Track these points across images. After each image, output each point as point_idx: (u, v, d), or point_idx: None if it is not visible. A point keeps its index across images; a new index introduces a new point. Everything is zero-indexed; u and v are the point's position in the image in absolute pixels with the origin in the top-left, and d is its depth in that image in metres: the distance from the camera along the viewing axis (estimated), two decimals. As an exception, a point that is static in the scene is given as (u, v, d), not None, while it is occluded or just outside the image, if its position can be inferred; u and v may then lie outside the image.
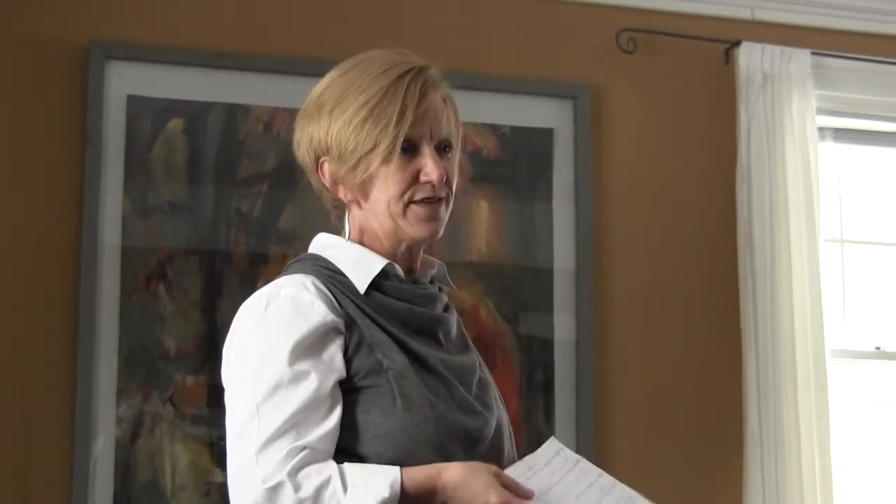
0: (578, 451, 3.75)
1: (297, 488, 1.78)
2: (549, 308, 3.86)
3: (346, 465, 1.83)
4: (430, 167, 1.97)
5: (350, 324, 1.93)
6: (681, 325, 4.00)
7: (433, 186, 1.98)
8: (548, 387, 3.83)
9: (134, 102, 3.62)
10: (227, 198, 3.66)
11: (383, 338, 1.94)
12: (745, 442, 3.89)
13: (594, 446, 3.78)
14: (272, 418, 1.83)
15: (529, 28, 4.00)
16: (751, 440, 3.88)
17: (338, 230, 2.08)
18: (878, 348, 4.29)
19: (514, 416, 3.77)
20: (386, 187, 1.97)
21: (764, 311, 3.94)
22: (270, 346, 1.88)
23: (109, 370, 3.50)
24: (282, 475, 1.79)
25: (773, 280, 3.96)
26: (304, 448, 1.81)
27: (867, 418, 4.25)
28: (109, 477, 3.47)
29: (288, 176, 3.66)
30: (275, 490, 1.78)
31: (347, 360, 1.91)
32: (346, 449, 1.87)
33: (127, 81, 3.62)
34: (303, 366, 1.86)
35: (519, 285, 3.86)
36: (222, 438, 3.53)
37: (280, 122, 3.70)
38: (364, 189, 1.98)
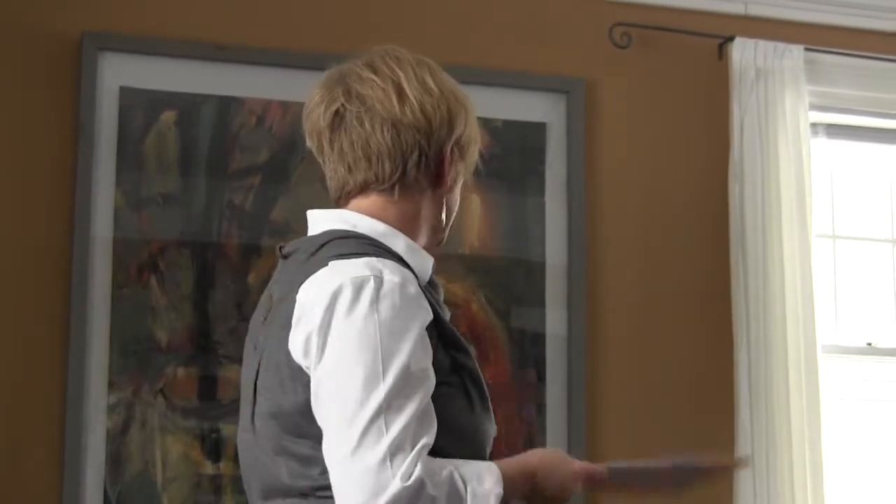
0: (569, 446, 3.78)
1: (434, 485, 1.77)
2: (540, 302, 3.86)
3: (454, 461, 1.83)
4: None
5: (435, 318, 1.91)
6: (672, 321, 4.00)
7: None
8: (539, 381, 3.83)
9: (127, 94, 3.61)
10: (219, 190, 3.65)
11: (454, 336, 1.94)
12: (736, 437, 3.89)
13: (585, 441, 3.78)
14: (401, 415, 1.79)
15: (523, 22, 3.99)
16: (742, 435, 3.88)
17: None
18: (869, 344, 4.30)
19: (505, 411, 3.80)
20: (455, 199, 2.12)
21: (756, 307, 3.95)
22: (392, 339, 1.82)
23: (101, 362, 3.50)
24: (419, 472, 1.77)
25: (764, 276, 3.96)
26: (427, 445, 1.80)
27: (858, 414, 4.26)
28: (100, 468, 3.47)
29: (281, 169, 3.66)
30: (417, 488, 1.76)
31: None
32: None
33: (120, 73, 3.61)
34: (424, 362, 1.85)
35: (511, 279, 3.86)
36: (213, 430, 3.55)
37: (273, 114, 3.69)
38: (455, 183, 2.10)
